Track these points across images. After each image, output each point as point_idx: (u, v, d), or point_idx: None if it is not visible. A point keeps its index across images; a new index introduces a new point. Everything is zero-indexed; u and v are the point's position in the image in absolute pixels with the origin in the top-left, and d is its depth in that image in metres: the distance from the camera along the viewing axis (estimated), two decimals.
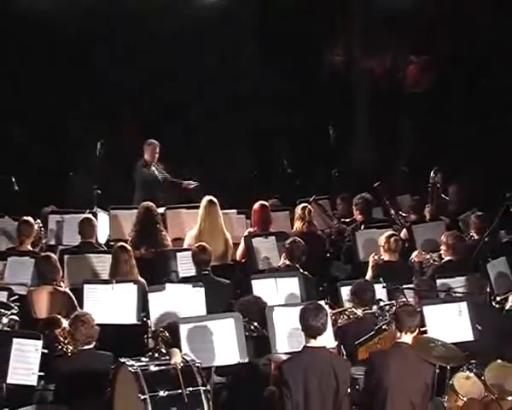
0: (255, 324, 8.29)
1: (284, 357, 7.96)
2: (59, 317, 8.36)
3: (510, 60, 13.91)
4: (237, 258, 11.05)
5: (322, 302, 8.40)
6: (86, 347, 7.83)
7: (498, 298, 9.48)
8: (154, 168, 13.04)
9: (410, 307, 7.61)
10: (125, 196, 13.03)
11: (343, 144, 15.42)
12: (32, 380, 7.63)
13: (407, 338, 7.36)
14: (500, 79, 14.10)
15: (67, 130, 14.56)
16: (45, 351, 7.83)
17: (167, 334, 7.99)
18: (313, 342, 7.12)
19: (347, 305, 8.96)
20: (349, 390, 7.55)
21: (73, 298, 8.99)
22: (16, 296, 9.26)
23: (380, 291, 9.22)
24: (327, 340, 8.02)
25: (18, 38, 13.98)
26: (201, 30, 14.79)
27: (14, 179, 12.30)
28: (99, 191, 12.41)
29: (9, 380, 7.56)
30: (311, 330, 7.10)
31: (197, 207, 11.04)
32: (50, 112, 14.48)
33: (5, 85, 14.22)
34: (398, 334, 7.39)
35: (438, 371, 7.94)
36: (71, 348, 7.89)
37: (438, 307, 8.66)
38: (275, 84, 15.29)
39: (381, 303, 8.83)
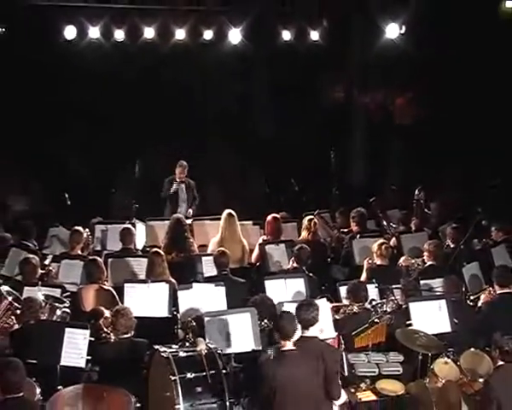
0: (265, 320, 8.30)
1: None
2: (102, 309, 8.40)
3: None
4: (253, 261, 11.04)
5: (323, 300, 8.48)
6: (125, 335, 7.89)
7: (472, 297, 9.46)
8: (182, 186, 12.93)
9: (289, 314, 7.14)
10: (158, 208, 13.03)
11: (342, 166, 15.42)
12: (81, 363, 7.67)
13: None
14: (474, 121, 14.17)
15: (111, 154, 14.61)
16: (92, 339, 7.86)
17: (194, 323, 8.02)
18: (307, 333, 7.08)
19: (345, 302, 8.95)
20: (346, 374, 7.59)
21: (115, 295, 9.03)
22: (68, 293, 9.33)
23: (372, 291, 9.17)
24: (328, 331, 8.10)
25: (69, 65, 14.07)
26: (224, 71, 14.89)
27: (67, 195, 12.34)
28: (137, 205, 12.44)
29: (62, 362, 7.60)
30: (304, 322, 7.06)
31: (219, 219, 11.06)
32: (97, 139, 14.56)
33: (63, 118, 14.38)
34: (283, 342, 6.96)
35: (421, 357, 7.99)
36: (113, 336, 7.96)
37: (421, 304, 8.66)
38: (284, 116, 15.38)
39: (374, 303, 8.82)
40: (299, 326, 7.11)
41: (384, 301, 8.86)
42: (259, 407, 7.09)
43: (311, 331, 7.09)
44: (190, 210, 12.73)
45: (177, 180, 12.83)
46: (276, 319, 7.17)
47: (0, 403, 6.38)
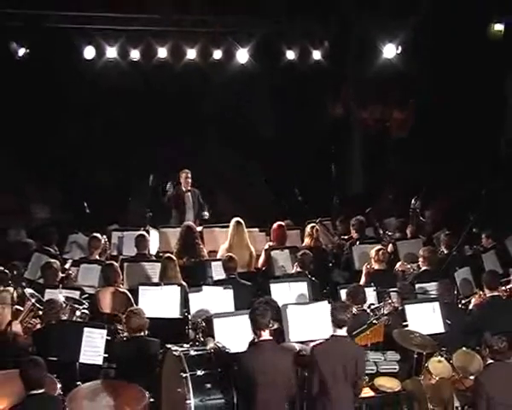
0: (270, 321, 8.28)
1: (296, 345, 7.98)
2: (120, 315, 8.42)
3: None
4: (259, 266, 11.04)
5: (325, 302, 8.47)
6: (138, 334, 7.88)
7: (463, 301, 9.48)
8: (188, 194, 12.90)
9: (262, 308, 7.20)
10: (170, 216, 13.05)
11: (342, 177, 15.45)
12: (99, 360, 7.70)
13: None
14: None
15: (127, 166, 14.68)
16: (109, 338, 7.89)
17: (204, 324, 8.03)
18: (339, 332, 7.12)
19: None
20: None
21: (131, 297, 9.04)
22: (86, 295, 9.35)
23: (371, 294, 9.18)
24: (328, 332, 8.06)
25: (89, 83, 14.08)
26: (232, 88, 14.93)
27: (86, 204, 12.36)
28: (151, 213, 12.44)
29: (81, 360, 7.63)
30: (339, 322, 7.09)
31: (228, 226, 11.07)
32: (114, 152, 14.61)
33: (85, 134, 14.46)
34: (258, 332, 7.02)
35: (416, 356, 7.99)
36: (127, 334, 7.96)
37: (416, 306, 8.68)
38: (288, 130, 15.42)
39: (372, 307, 8.82)
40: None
41: (382, 304, 8.87)
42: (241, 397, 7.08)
43: (343, 331, 7.13)
44: (206, 213, 12.71)
45: (183, 189, 12.84)
46: (249, 314, 7.19)
47: (24, 398, 6.42)
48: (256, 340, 7.06)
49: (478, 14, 13.30)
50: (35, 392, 6.39)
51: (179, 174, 12.95)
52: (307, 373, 7.24)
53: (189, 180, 12.89)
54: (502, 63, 13.94)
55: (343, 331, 7.15)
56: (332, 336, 7.19)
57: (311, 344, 7.92)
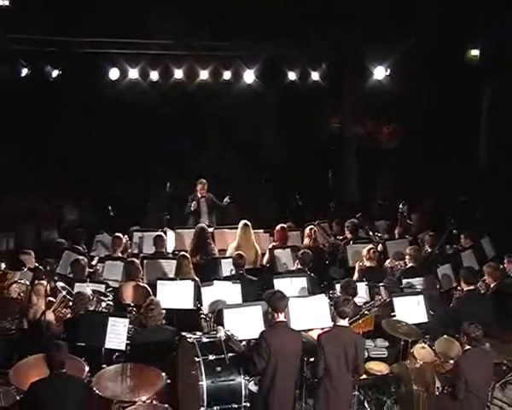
0: None
1: None
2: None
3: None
4: (264, 263, 11.02)
5: (322, 295, 8.49)
6: (156, 323, 7.90)
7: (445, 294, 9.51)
8: (203, 200, 12.91)
9: (280, 294, 7.34)
10: (185, 219, 13.08)
11: (338, 185, 15.48)
12: (122, 346, 7.73)
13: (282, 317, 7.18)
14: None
15: (147, 174, 14.74)
16: (130, 326, 7.94)
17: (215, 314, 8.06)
18: (342, 322, 7.16)
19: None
20: None
21: (150, 290, 9.05)
22: (111, 288, 9.38)
23: (363, 288, 9.18)
24: (326, 321, 8.12)
25: (114, 101, 14.11)
26: (240, 105, 14.97)
27: (110, 208, 12.40)
28: (168, 216, 12.48)
29: (106, 346, 7.66)
30: (342, 313, 7.14)
31: (236, 228, 11.07)
32: (136, 162, 14.69)
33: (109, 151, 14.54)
34: (275, 315, 7.16)
35: (403, 343, 8.03)
36: (144, 322, 8.00)
37: (403, 299, 8.68)
38: (291, 144, 15.45)
39: (367, 305, 8.85)
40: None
41: (373, 302, 8.87)
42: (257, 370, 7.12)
43: (345, 322, 7.17)
44: (226, 200, 12.74)
45: (199, 196, 12.87)
46: (268, 298, 7.28)
47: (47, 377, 6.49)
48: (273, 321, 7.15)
49: (457, 41, 13.42)
50: (57, 372, 6.45)
51: (196, 183, 12.98)
52: (310, 358, 7.31)
53: (205, 189, 12.90)
54: (478, 83, 14.06)
55: (345, 322, 7.18)
56: (335, 325, 7.23)
57: (312, 332, 7.99)
